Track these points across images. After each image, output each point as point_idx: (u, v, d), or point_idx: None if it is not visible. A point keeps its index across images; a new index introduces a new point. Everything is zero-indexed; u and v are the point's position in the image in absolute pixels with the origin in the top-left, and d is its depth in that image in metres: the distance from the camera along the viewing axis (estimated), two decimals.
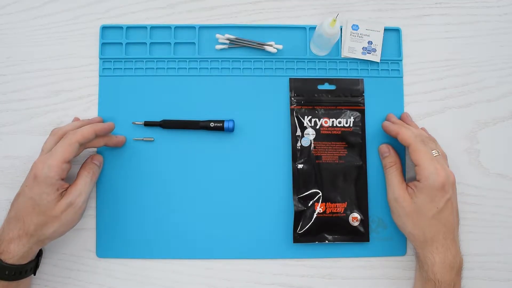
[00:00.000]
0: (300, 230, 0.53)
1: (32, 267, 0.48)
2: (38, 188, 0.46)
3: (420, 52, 0.58)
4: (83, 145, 0.49)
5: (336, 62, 0.57)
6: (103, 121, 0.55)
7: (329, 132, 0.55)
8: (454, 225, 0.50)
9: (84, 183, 0.50)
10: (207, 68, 0.56)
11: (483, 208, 0.56)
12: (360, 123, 0.56)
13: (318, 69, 0.57)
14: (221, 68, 0.57)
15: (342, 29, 0.57)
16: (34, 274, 0.50)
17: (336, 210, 0.54)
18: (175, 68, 0.56)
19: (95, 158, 0.53)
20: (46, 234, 0.47)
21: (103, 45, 0.56)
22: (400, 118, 0.56)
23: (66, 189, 0.48)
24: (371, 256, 0.55)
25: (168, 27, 0.57)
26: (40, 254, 0.50)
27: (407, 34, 0.58)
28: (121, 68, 0.56)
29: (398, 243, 0.55)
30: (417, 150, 0.49)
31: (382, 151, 0.55)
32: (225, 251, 0.54)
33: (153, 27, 0.57)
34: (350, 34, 0.57)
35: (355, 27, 0.57)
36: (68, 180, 0.49)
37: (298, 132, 0.55)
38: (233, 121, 0.54)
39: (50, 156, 0.47)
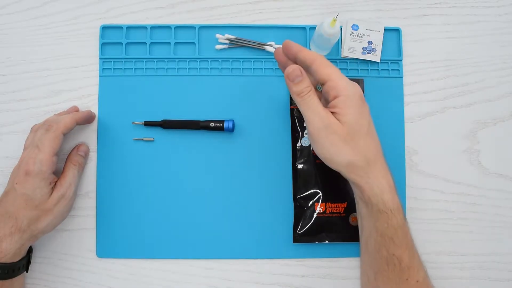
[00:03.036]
0: (300, 230, 0.53)
1: (24, 264, 0.48)
2: (31, 183, 0.46)
3: (420, 52, 0.58)
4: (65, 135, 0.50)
5: (336, 62, 0.57)
6: (79, 110, 0.55)
7: None
8: (378, 139, 0.46)
9: (72, 175, 0.51)
10: (207, 68, 0.56)
11: (483, 208, 0.56)
12: None
13: None
14: (221, 68, 0.57)
15: (342, 29, 0.57)
16: (27, 271, 0.50)
17: (336, 210, 0.54)
18: (175, 68, 0.56)
19: (80, 149, 0.53)
20: (39, 228, 0.48)
21: (103, 45, 0.56)
22: (285, 48, 0.47)
23: (55, 182, 0.49)
24: None
25: (168, 27, 0.57)
26: (30, 250, 0.51)
27: (407, 34, 0.58)
28: (121, 68, 0.56)
29: None
30: (327, 65, 0.44)
31: (293, 75, 0.43)
32: (225, 251, 0.54)
33: (153, 27, 0.57)
34: (350, 34, 0.57)
35: (355, 27, 0.57)
36: (54, 173, 0.50)
37: (298, 132, 0.55)
38: (233, 121, 0.54)
39: (39, 151, 0.47)
